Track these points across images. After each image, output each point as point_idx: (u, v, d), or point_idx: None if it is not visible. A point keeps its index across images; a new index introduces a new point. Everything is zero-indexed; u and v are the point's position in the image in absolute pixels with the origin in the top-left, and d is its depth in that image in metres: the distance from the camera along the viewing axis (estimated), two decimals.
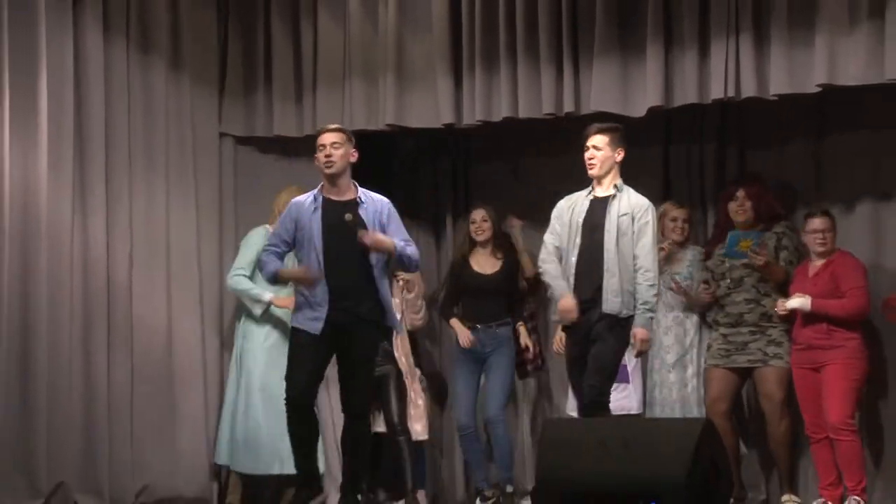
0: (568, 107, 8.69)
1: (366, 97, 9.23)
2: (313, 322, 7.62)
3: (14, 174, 8.53)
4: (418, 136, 9.68)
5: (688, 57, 8.50)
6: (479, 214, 9.17)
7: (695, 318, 8.94)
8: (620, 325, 7.74)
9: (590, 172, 7.80)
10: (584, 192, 7.92)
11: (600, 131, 7.79)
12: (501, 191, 9.78)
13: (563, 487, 6.59)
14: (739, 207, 8.67)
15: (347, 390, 7.80)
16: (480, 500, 9.12)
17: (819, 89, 8.21)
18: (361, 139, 8.99)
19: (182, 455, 9.16)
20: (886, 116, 8.72)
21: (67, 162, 8.76)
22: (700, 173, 9.50)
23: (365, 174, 8.93)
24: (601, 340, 7.70)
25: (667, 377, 8.93)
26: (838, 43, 8.11)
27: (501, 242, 9.22)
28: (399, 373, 9.39)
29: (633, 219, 7.72)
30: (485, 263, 9.19)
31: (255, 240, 8.98)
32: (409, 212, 9.54)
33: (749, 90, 8.35)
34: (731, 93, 8.40)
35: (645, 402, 9.07)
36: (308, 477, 7.95)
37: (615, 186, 7.79)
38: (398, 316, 8.97)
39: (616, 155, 7.76)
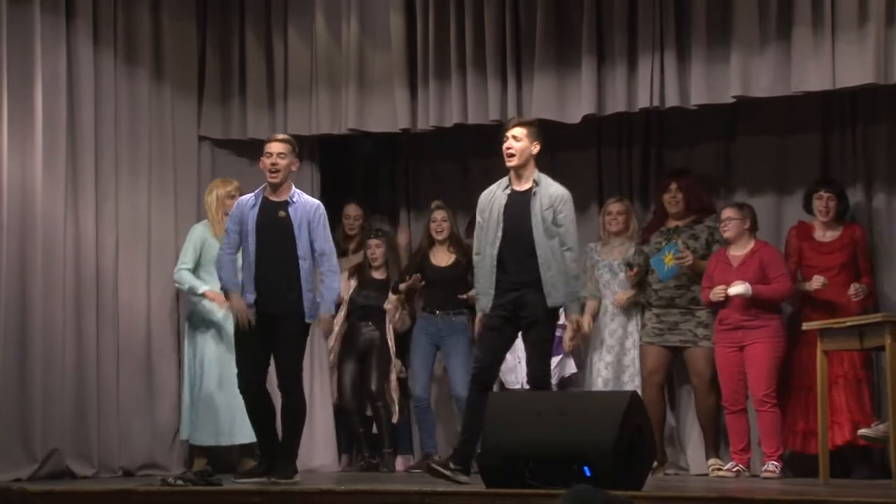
0: (511, 114, 8.72)
1: (330, 104, 9.32)
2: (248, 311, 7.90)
3: (12, 173, 8.51)
4: (377, 139, 9.78)
5: (618, 70, 8.68)
6: (440, 214, 9.27)
7: (629, 291, 9.03)
8: (552, 311, 7.72)
9: (508, 163, 7.68)
10: (500, 185, 7.80)
11: (520, 124, 7.74)
12: (452, 188, 9.89)
13: (504, 453, 6.70)
14: (672, 199, 8.90)
15: (278, 372, 7.98)
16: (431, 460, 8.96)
17: (734, 100, 8.42)
18: (326, 142, 9.36)
19: (159, 426, 9.22)
20: (788, 122, 8.97)
21: (60, 162, 8.78)
22: (629, 172, 9.56)
23: (331, 173, 9.39)
24: (539, 327, 7.64)
25: (608, 354, 9.04)
26: (750, 59, 8.30)
27: (457, 240, 9.32)
28: (385, 344, 9.56)
29: (555, 211, 7.63)
30: (441, 258, 9.32)
31: (195, 235, 9.12)
32: (371, 206, 9.91)
33: (672, 101, 8.56)
34: (656, 103, 8.60)
35: (586, 370, 9.15)
36: (269, 452, 8.04)
37: (534, 180, 7.68)
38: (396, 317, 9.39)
39: (533, 147, 7.66)
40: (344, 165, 9.94)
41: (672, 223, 8.97)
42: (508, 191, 7.76)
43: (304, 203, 7.92)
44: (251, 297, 7.89)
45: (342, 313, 9.60)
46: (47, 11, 8.82)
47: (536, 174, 7.73)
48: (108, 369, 9.03)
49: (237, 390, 8.11)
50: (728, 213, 8.67)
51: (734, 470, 8.51)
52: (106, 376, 9.01)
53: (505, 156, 7.71)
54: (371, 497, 6.97)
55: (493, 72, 8.95)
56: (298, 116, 9.43)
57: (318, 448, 9.50)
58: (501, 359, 7.98)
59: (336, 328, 9.33)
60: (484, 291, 7.75)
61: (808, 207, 8.72)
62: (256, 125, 9.50)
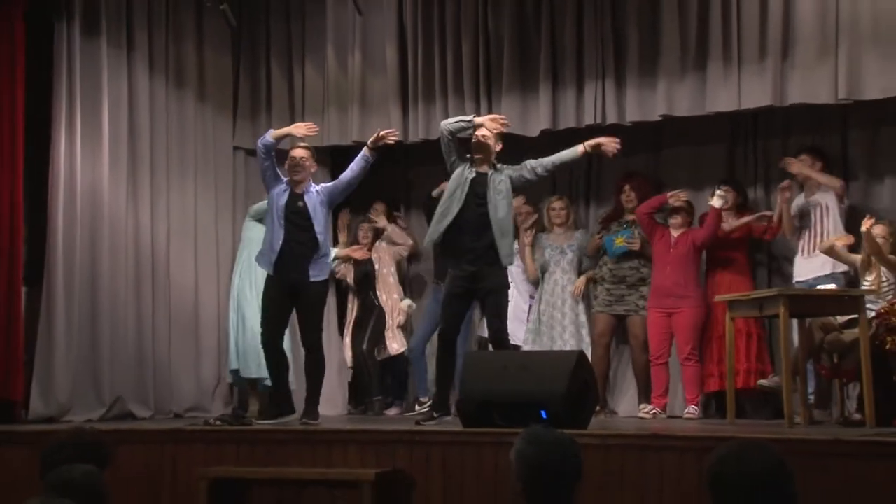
0: None
1: (339, 120, 9.28)
2: (275, 279, 7.73)
3: (84, 177, 8.60)
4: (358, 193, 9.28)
5: (568, 94, 8.66)
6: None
7: (583, 278, 9.00)
8: (504, 278, 7.57)
9: (476, 153, 7.47)
10: (465, 167, 7.51)
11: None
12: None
13: (478, 400, 6.75)
14: (626, 197, 8.83)
15: (301, 331, 7.87)
16: (418, 405, 9.15)
17: (660, 118, 8.45)
18: (336, 150, 9.32)
19: (202, 378, 9.27)
20: (703, 136, 8.94)
21: (123, 167, 8.83)
22: (576, 176, 9.47)
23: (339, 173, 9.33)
24: (497, 294, 7.48)
25: (565, 320, 8.97)
26: (673, 86, 8.31)
27: None
28: (381, 313, 9.35)
29: (510, 177, 7.47)
30: None
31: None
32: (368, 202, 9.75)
33: (612, 118, 8.53)
34: (599, 120, 8.56)
35: (538, 336, 8.99)
36: (281, 397, 7.93)
37: (493, 166, 7.49)
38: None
39: (497, 146, 7.52)
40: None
41: (629, 217, 8.90)
42: (473, 174, 7.50)
43: (314, 190, 7.83)
44: (281, 271, 7.71)
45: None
46: (112, 46, 8.87)
47: (495, 162, 7.54)
48: (162, 333, 9.06)
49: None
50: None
51: (651, 413, 8.49)
52: (160, 338, 9.04)
53: (478, 141, 7.48)
54: (373, 435, 6.96)
55: (469, 94, 8.92)
56: None
57: (327, 397, 9.30)
58: (462, 321, 7.73)
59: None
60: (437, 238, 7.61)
61: None
62: None
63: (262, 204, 8.49)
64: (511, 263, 7.73)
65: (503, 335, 7.61)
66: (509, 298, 7.69)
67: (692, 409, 8.36)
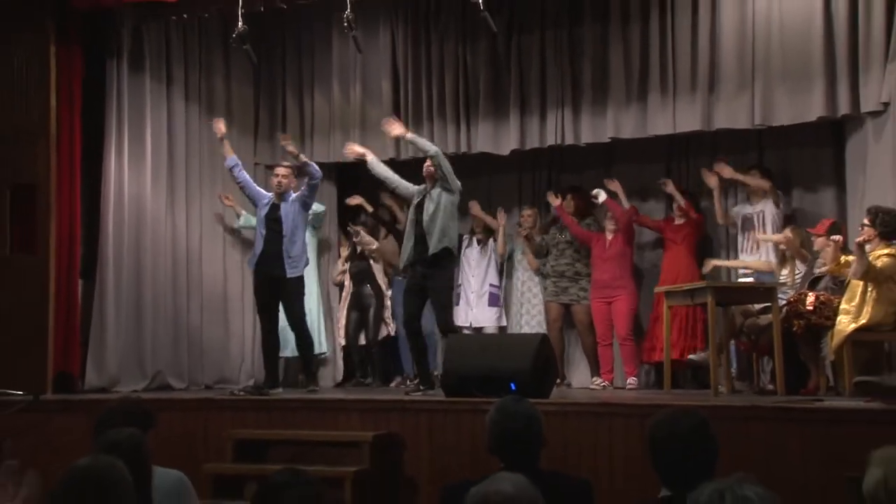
0: (464, 148, 8.79)
1: (342, 142, 8.93)
2: (256, 276, 7.81)
3: (131, 189, 8.61)
4: (364, 183, 9.31)
5: (533, 119, 8.63)
6: None
7: (538, 278, 8.91)
8: (447, 281, 7.56)
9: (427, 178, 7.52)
10: (421, 188, 7.59)
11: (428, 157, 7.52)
12: None
13: (459, 375, 6.78)
14: (567, 205, 8.78)
15: (288, 318, 7.82)
16: (409, 380, 8.80)
17: (610, 140, 8.43)
18: (341, 166, 9.28)
19: (230, 355, 9.15)
20: (645, 154, 8.92)
21: (162, 181, 8.81)
22: (539, 187, 9.45)
23: (344, 187, 9.33)
24: (438, 292, 7.43)
25: (527, 308, 8.96)
26: (620, 112, 8.30)
27: None
28: (380, 301, 9.16)
29: (439, 198, 7.40)
30: None
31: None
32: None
33: (569, 140, 8.54)
34: (559, 141, 8.57)
35: (509, 318, 8.98)
36: (274, 373, 7.89)
37: (434, 183, 7.45)
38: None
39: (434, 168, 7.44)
40: (355, 181, 9.77)
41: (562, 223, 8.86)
42: (419, 196, 7.58)
43: (290, 199, 7.80)
44: (259, 268, 7.72)
45: (347, 281, 9.38)
46: (154, 80, 8.87)
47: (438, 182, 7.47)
48: (195, 317, 9.00)
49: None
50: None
51: (600, 385, 8.50)
52: (194, 322, 8.99)
53: (426, 172, 7.56)
54: (371, 404, 6.97)
55: (450, 119, 8.89)
56: (321, 149, 9.30)
57: (328, 372, 9.38)
58: (420, 312, 7.59)
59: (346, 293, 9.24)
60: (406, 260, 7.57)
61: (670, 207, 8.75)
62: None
63: (318, 207, 8.64)
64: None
65: (451, 324, 7.61)
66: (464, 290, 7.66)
67: (632, 381, 8.36)
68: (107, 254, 8.53)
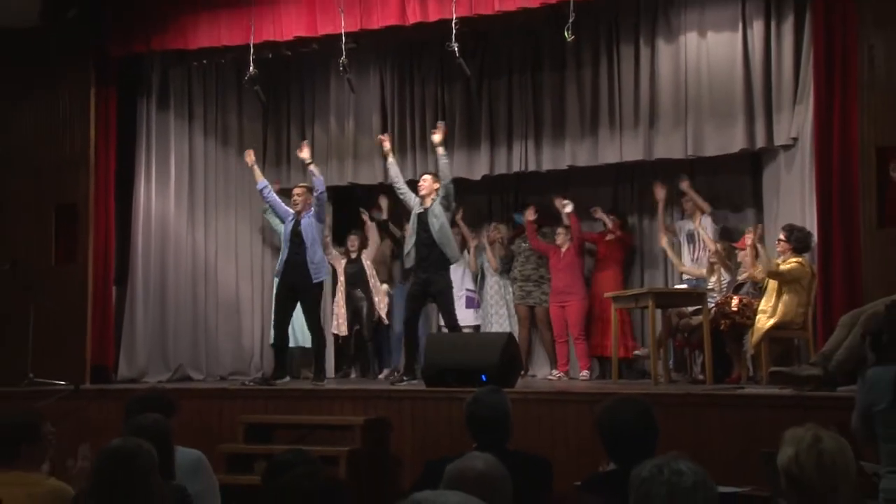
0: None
1: (339, 168, 9.13)
2: (281, 282, 7.64)
3: (157, 210, 8.59)
4: (362, 187, 9.38)
5: (501, 148, 8.60)
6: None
7: (505, 283, 8.85)
8: (447, 283, 7.43)
9: (420, 192, 7.47)
10: (417, 201, 7.50)
11: (429, 173, 7.59)
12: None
13: (438, 367, 6.72)
14: (531, 216, 8.65)
15: (307, 320, 7.64)
16: (397, 371, 8.53)
17: (567, 167, 8.43)
18: (339, 189, 9.17)
19: (243, 350, 9.05)
20: (596, 180, 8.85)
21: (184, 203, 8.78)
22: (508, 207, 9.41)
23: (340, 204, 9.21)
24: (442, 296, 7.37)
25: (496, 309, 8.90)
26: (576, 143, 8.28)
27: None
28: (370, 302, 8.91)
29: (443, 204, 7.39)
30: None
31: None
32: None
33: (532, 167, 8.50)
34: (523, 168, 8.53)
35: (484, 319, 8.87)
36: (283, 367, 7.74)
37: (432, 200, 7.43)
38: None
39: (434, 185, 7.44)
40: (350, 201, 9.71)
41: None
42: (421, 209, 7.47)
43: (309, 216, 7.67)
44: (283, 276, 7.53)
45: (341, 286, 9.21)
46: (178, 116, 8.86)
47: (435, 197, 7.45)
48: (211, 318, 8.93)
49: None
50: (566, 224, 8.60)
51: (557, 376, 8.48)
52: (210, 322, 8.92)
53: (419, 187, 7.51)
54: (362, 392, 6.91)
55: (430, 149, 8.53)
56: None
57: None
58: (419, 315, 7.61)
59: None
60: (411, 265, 7.49)
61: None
62: (296, 178, 9.12)
63: None
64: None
65: (456, 324, 7.46)
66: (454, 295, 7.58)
67: (584, 373, 8.35)
68: (136, 264, 8.52)
